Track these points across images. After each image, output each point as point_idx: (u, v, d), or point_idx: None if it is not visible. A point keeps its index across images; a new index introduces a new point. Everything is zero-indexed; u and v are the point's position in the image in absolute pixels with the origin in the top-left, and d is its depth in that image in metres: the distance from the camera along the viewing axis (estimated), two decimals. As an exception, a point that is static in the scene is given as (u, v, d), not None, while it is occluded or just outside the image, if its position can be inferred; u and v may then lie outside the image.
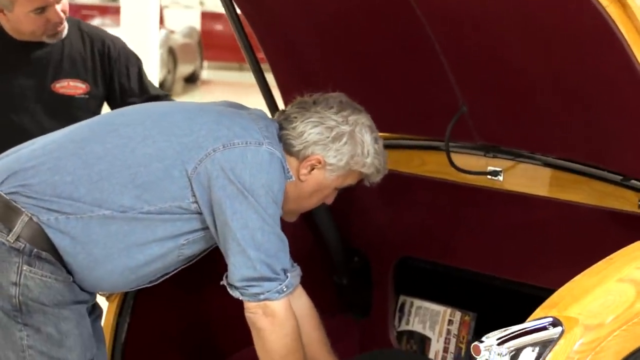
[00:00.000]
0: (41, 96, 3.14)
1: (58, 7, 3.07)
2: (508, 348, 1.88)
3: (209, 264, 2.65)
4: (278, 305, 2.38)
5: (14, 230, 2.31)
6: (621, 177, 2.51)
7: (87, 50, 3.22)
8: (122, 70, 3.27)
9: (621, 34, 2.12)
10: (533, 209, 2.81)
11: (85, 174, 2.35)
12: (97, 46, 3.24)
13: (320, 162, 2.47)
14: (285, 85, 3.13)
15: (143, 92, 3.32)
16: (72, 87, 3.18)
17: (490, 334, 1.89)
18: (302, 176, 2.48)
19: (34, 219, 2.32)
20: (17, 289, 2.32)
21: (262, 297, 2.37)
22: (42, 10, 3.05)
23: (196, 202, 2.36)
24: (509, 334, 1.90)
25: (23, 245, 2.32)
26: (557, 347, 1.90)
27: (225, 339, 3.16)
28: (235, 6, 2.93)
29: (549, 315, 1.95)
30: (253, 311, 2.40)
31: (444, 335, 3.24)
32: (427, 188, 3.05)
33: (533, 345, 1.90)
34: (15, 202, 2.33)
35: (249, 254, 2.33)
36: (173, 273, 2.50)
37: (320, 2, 2.80)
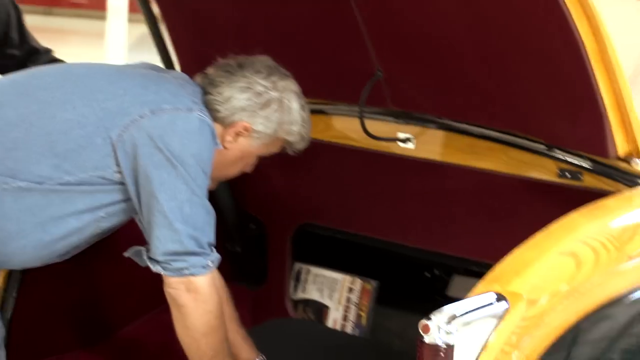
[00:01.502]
0: None
1: None
2: (457, 325, 1.80)
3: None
4: (202, 281, 2.25)
5: None
6: (545, 146, 2.48)
7: None
8: (2, 17, 3.03)
9: (565, 5, 2.07)
10: (445, 177, 2.75)
11: None
12: None
13: (247, 130, 2.34)
14: (180, 42, 2.97)
15: (23, 42, 3.10)
16: None
17: (437, 311, 1.82)
18: (226, 143, 2.34)
19: None
20: None
21: (186, 272, 2.23)
22: None
23: (119, 171, 2.19)
24: (456, 311, 1.83)
25: None
26: (503, 323, 1.84)
27: (115, 312, 3.01)
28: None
29: (492, 290, 1.89)
30: (175, 287, 2.25)
31: (343, 303, 3.17)
32: (333, 154, 2.95)
33: (480, 321, 1.84)
34: None
35: (176, 227, 2.19)
36: (85, 247, 2.32)
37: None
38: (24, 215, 2.16)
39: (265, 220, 3.20)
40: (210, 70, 2.37)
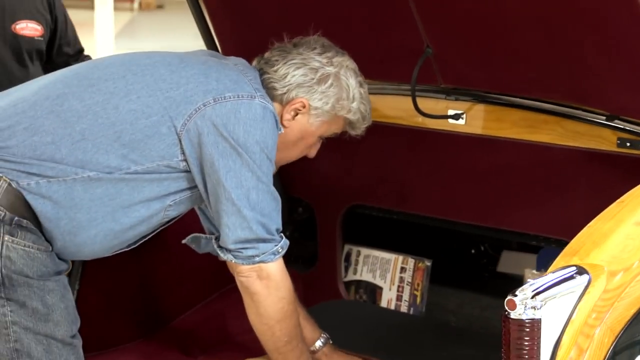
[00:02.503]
0: (5, 38, 2.89)
1: None
2: (542, 301, 1.80)
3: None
4: (273, 267, 2.25)
5: None
6: (605, 116, 2.46)
7: None
8: (60, 17, 3.11)
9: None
10: (498, 152, 2.74)
11: (66, 133, 2.14)
12: None
13: (304, 106, 2.32)
14: (222, 28, 2.96)
15: (76, 42, 3.21)
16: (31, 28, 3.00)
17: (522, 288, 1.81)
18: (285, 122, 2.32)
19: (13, 184, 2.10)
20: (0, 261, 2.11)
21: (257, 259, 2.23)
22: None
23: (185, 160, 2.18)
24: (539, 286, 1.82)
25: (3, 214, 2.10)
26: (587, 296, 1.83)
27: (171, 301, 3.01)
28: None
29: (572, 264, 1.88)
30: (246, 275, 2.24)
31: (396, 283, 3.16)
32: (382, 134, 2.93)
33: (563, 295, 1.83)
34: None
35: (244, 214, 2.18)
36: (151, 236, 2.31)
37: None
38: (94, 205, 2.16)
39: (313, 204, 3.20)
40: (266, 53, 2.36)
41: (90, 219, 2.17)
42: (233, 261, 2.25)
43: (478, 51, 2.58)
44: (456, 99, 2.75)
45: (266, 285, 2.25)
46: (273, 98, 2.29)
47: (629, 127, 2.45)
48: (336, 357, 2.67)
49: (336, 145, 2.85)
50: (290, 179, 3.16)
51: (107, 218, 2.18)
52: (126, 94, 2.19)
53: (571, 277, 1.85)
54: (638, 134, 2.43)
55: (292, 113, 2.32)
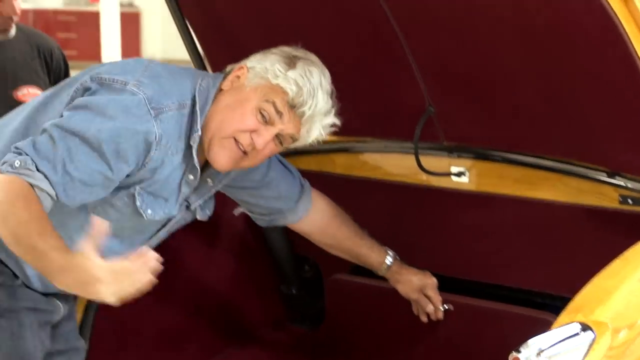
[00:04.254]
0: (7, 104, 2.93)
1: (15, 2, 2.88)
2: (547, 358, 1.81)
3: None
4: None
5: None
6: (606, 173, 2.49)
7: (34, 56, 3.05)
8: (61, 75, 3.14)
9: (623, 28, 2.09)
10: (501, 209, 2.76)
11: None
12: (43, 51, 3.09)
13: (243, 69, 2.29)
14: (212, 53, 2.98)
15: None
16: (32, 94, 3.03)
17: (526, 344, 1.82)
18: (224, 86, 2.29)
19: None
20: None
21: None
22: None
23: None
24: (543, 343, 1.83)
25: None
26: (592, 353, 1.85)
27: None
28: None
29: (576, 320, 1.90)
30: None
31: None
32: (385, 191, 2.96)
33: (568, 352, 1.84)
34: None
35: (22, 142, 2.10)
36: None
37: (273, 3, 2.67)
38: None
39: (319, 261, 3.21)
40: None
41: None
42: None
43: (479, 109, 2.62)
44: (459, 156, 2.78)
45: None
46: (224, 78, 2.30)
47: (630, 184, 2.47)
48: (405, 272, 2.76)
49: (341, 202, 2.89)
50: (297, 237, 3.17)
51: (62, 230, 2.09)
52: (51, 99, 2.24)
53: (575, 334, 1.87)
54: (639, 191, 2.46)
55: (233, 81, 2.29)
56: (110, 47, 10.85)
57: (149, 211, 2.27)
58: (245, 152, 2.25)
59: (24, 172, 2.01)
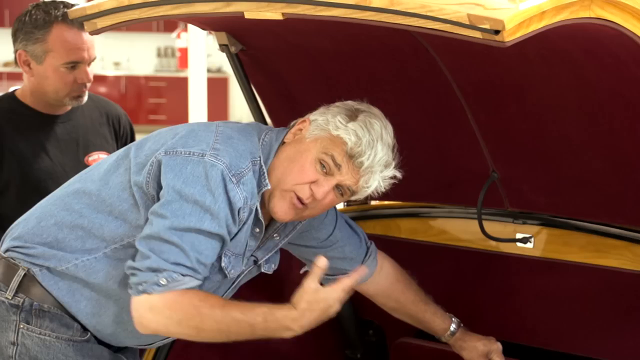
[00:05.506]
0: (78, 170, 3.02)
1: (88, 69, 2.97)
2: None
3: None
4: (158, 300, 2.15)
5: (10, 285, 2.25)
6: (673, 241, 2.45)
7: (103, 122, 3.13)
8: (128, 141, 3.22)
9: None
10: (567, 276, 2.72)
11: (67, 214, 2.28)
12: (111, 118, 3.17)
13: (305, 122, 2.33)
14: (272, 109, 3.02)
15: None
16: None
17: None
18: (287, 138, 2.33)
19: (30, 272, 2.25)
20: (15, 348, 2.23)
21: (140, 288, 2.16)
22: (73, 66, 2.95)
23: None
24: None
25: (22, 301, 2.23)
26: None
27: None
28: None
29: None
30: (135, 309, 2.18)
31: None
32: (450, 256, 2.95)
33: None
34: (12, 258, 2.28)
35: (140, 248, 2.18)
36: None
37: (338, 69, 2.71)
38: (103, 283, 2.28)
39: (384, 326, 3.20)
40: None
41: (105, 298, 2.25)
42: (129, 292, 2.19)
43: (543, 175, 2.61)
44: (523, 223, 2.76)
45: (154, 317, 2.16)
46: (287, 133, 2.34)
47: (699, 251, 2.42)
48: (469, 338, 2.72)
49: (406, 266, 2.89)
50: (362, 300, 3.17)
51: (123, 294, 2.22)
52: (116, 168, 2.29)
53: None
54: None
55: (295, 133, 2.33)
56: (198, 111, 11.07)
57: (232, 270, 2.34)
58: (305, 204, 2.29)
59: (176, 285, 2.13)
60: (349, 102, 2.36)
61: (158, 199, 2.19)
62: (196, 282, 2.16)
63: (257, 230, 2.33)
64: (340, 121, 2.27)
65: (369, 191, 2.32)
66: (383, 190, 2.33)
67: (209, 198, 2.15)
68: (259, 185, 2.27)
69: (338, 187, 2.29)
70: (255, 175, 2.26)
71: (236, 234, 2.26)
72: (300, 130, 2.32)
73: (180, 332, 2.19)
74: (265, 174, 2.27)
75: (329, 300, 2.16)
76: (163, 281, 2.12)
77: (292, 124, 2.39)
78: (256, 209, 2.27)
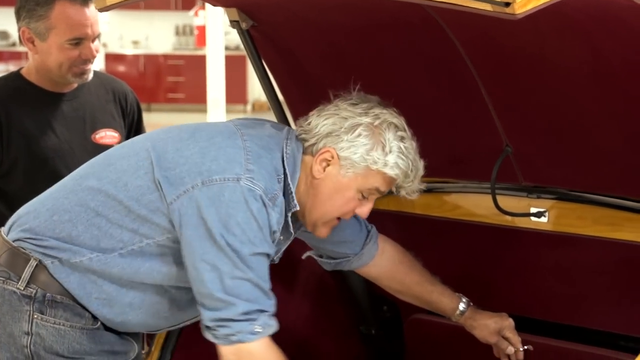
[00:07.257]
0: (86, 148, 3.02)
1: (92, 45, 2.96)
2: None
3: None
4: (255, 347, 2.20)
5: (22, 276, 2.25)
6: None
7: (110, 99, 3.13)
8: (135, 119, 3.22)
9: None
10: (582, 250, 2.71)
11: (82, 210, 2.26)
12: (118, 95, 3.17)
13: (333, 156, 2.28)
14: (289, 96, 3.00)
15: None
16: (110, 136, 3.10)
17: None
18: (316, 173, 2.30)
19: (42, 263, 2.25)
20: (29, 338, 2.24)
21: (234, 338, 2.18)
22: (77, 42, 2.94)
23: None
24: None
25: (34, 292, 2.24)
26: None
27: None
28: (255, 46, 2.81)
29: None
30: (227, 357, 2.21)
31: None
32: (463, 231, 2.94)
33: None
34: (23, 248, 2.28)
35: (217, 296, 2.17)
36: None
37: (349, 44, 2.69)
38: (115, 277, 2.28)
39: (398, 302, 3.19)
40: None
41: (117, 289, 2.26)
42: (214, 341, 2.21)
43: (558, 149, 2.59)
44: (538, 197, 2.74)
45: None
46: (305, 151, 2.31)
47: None
48: (479, 316, 2.71)
49: (419, 242, 2.88)
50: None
51: (135, 285, 2.26)
52: (135, 170, 2.27)
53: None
54: None
55: (323, 164, 2.30)
56: (216, 89, 11.09)
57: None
58: None
59: (269, 331, 2.22)
60: (357, 109, 2.31)
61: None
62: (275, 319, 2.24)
63: (282, 238, 2.36)
64: (377, 157, 2.27)
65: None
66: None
67: (254, 224, 2.17)
68: (287, 204, 2.29)
69: None
70: (282, 191, 2.29)
71: None
72: (328, 163, 2.30)
73: None
74: (293, 194, 2.29)
75: None
76: (258, 329, 2.18)
77: (298, 131, 2.36)
78: (286, 223, 2.31)
